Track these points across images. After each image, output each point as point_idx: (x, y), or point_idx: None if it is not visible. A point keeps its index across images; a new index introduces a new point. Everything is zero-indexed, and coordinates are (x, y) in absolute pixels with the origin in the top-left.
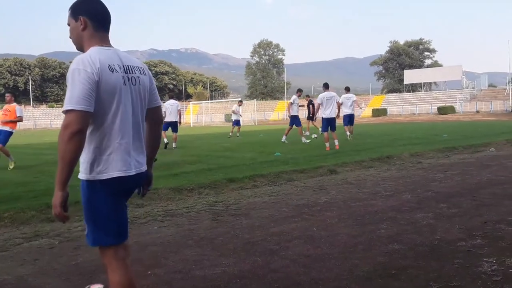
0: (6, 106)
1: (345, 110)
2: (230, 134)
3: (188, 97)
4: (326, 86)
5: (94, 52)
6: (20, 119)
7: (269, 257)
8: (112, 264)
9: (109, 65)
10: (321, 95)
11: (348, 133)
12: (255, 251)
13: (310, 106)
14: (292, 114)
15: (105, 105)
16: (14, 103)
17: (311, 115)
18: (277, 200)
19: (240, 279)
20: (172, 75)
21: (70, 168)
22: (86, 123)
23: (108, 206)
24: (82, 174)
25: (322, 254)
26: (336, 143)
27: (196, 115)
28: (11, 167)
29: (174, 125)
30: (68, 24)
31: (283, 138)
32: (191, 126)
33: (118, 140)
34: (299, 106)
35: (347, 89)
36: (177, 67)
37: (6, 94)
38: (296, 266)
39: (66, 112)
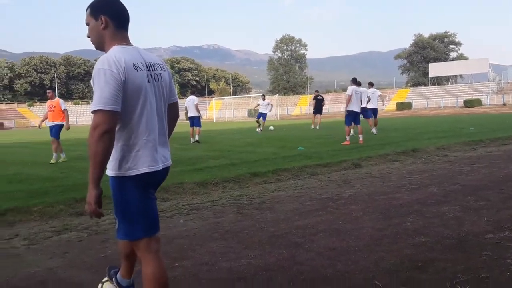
0: (49, 102)
1: (370, 105)
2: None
3: (211, 93)
4: (355, 82)
5: (118, 52)
6: (65, 112)
7: (294, 250)
8: (146, 257)
9: (133, 64)
10: (352, 88)
11: (374, 128)
12: (280, 244)
13: (317, 100)
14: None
15: (131, 103)
16: (57, 98)
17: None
18: (301, 194)
19: (266, 271)
20: (195, 71)
21: (101, 166)
22: (115, 122)
23: (138, 200)
24: (111, 171)
25: (347, 247)
26: (361, 138)
27: (218, 111)
28: (52, 162)
29: (195, 120)
30: (87, 23)
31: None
32: (214, 121)
33: (146, 136)
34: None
35: (371, 84)
36: (200, 64)
37: (48, 91)
38: (321, 259)
39: (94, 112)
